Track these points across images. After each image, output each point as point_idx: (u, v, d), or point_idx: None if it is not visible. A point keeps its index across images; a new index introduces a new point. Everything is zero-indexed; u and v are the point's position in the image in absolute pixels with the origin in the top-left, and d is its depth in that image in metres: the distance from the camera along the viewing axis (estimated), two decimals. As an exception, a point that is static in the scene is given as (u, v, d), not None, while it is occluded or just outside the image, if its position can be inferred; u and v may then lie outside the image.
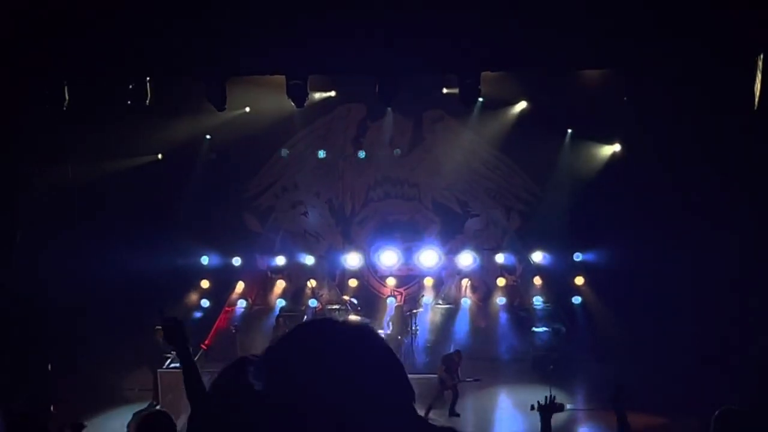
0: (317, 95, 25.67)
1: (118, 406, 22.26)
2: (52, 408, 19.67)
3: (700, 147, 23.26)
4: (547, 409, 8.65)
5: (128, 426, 18.59)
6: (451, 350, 23.29)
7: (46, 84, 19.36)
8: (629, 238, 25.14)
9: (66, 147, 23.68)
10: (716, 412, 6.56)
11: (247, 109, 26.75)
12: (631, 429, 7.90)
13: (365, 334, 2.38)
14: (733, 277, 22.88)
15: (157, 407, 22.30)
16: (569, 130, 26.59)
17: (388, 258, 28.28)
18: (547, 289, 27.63)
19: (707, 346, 22.38)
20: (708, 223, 23.54)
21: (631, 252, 25.11)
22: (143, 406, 22.85)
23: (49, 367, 20.84)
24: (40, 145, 22.35)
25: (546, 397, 8.90)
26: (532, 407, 21.50)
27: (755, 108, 18.63)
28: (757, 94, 18.50)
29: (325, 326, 2.41)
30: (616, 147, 26.48)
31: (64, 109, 19.58)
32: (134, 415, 20.44)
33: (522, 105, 26.55)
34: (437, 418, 21.22)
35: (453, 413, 21.81)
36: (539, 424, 17.18)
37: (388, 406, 2.25)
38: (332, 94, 26.99)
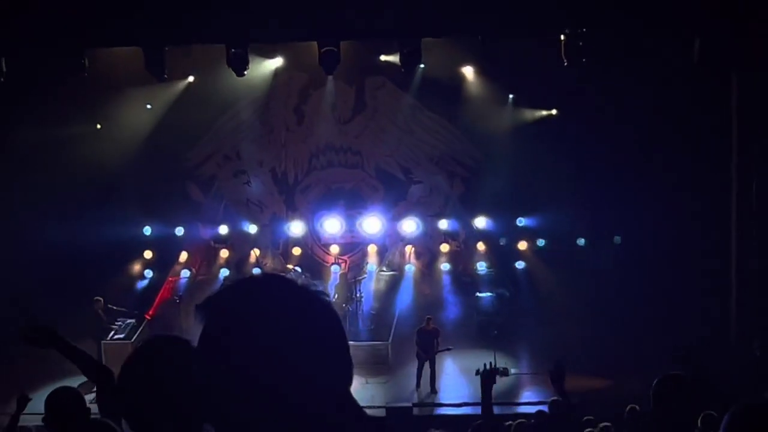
0: (260, 64, 25.46)
1: (61, 379, 22.02)
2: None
3: (637, 109, 23.51)
4: (486, 376, 8.63)
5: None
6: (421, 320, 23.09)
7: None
8: (570, 202, 25.35)
9: (4, 117, 23.39)
10: (655, 380, 6.62)
11: (191, 79, 26.55)
12: (569, 399, 7.97)
13: (318, 302, 2.33)
14: (671, 236, 23.20)
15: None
16: (510, 96, 26.64)
17: (332, 226, 28.26)
18: (490, 255, 27.75)
19: (650, 308, 22.66)
20: (645, 184, 23.84)
21: (572, 216, 25.34)
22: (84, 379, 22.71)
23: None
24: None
25: (485, 364, 8.87)
26: (477, 372, 21.72)
27: (695, 61, 18.89)
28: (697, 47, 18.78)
29: (275, 286, 2.34)
30: (554, 112, 26.57)
31: (1, 80, 19.36)
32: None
33: (463, 71, 26.53)
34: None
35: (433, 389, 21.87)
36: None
37: (324, 387, 2.22)
38: (276, 62, 26.80)
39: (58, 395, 6.30)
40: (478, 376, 8.99)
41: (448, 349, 22.43)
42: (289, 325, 2.20)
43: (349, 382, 2.31)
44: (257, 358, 2.15)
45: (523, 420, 12.41)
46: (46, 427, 6.06)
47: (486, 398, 8.43)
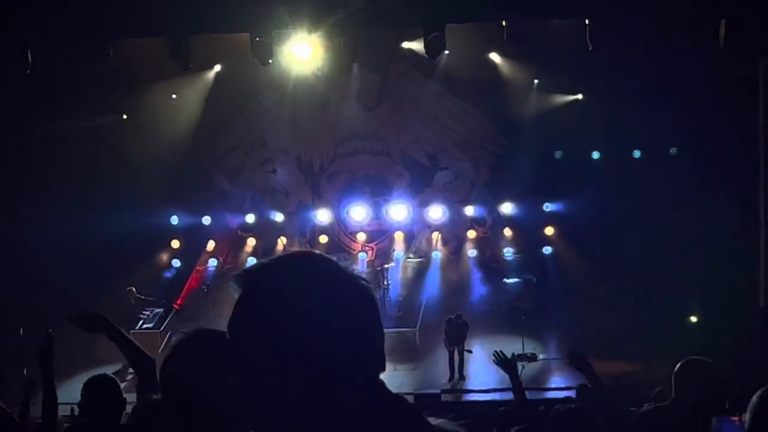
0: (285, 52, 25.44)
1: (91, 369, 22.19)
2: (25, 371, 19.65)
3: (664, 93, 23.36)
4: (508, 363, 8.57)
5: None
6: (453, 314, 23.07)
7: (9, 49, 19.21)
8: (597, 187, 25.26)
9: (31, 109, 23.50)
10: (678, 364, 6.60)
11: (216, 69, 26.61)
12: (600, 381, 7.91)
13: (357, 285, 2.32)
14: (702, 223, 23.06)
15: (130, 369, 22.31)
16: (535, 81, 26.53)
17: (358, 213, 28.28)
18: (517, 240, 27.70)
19: (678, 294, 22.57)
20: (672, 168, 23.72)
21: (599, 201, 25.23)
22: (117, 368, 22.81)
23: (21, 331, 20.75)
24: (4, 107, 22.20)
25: (496, 352, 8.80)
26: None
27: (721, 45, 18.74)
28: (722, 32, 18.60)
29: (315, 264, 2.32)
30: (579, 96, 26.46)
31: (28, 72, 19.43)
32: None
33: (488, 57, 26.41)
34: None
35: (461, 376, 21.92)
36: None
37: (357, 369, 2.21)
38: (300, 50, 26.73)
39: (95, 382, 6.35)
40: (496, 365, 8.94)
41: (470, 351, 22.44)
42: (326, 303, 2.18)
43: (382, 368, 2.30)
44: (290, 334, 2.14)
45: (558, 406, 12.36)
46: (81, 412, 6.10)
47: (515, 384, 8.39)
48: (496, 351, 8.38)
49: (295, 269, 2.25)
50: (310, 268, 2.26)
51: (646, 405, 7.00)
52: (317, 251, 2.39)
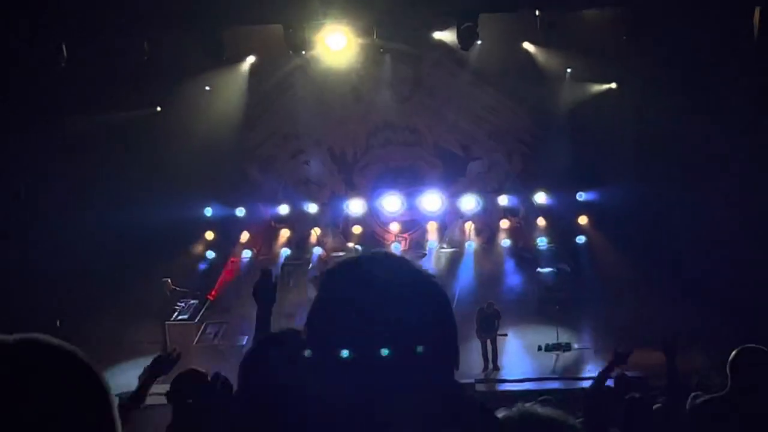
0: (318, 43, 25.42)
1: (127, 360, 22.36)
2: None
3: (697, 84, 23.21)
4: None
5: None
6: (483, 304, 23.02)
7: (44, 43, 19.37)
8: (631, 176, 25.16)
9: (65, 103, 23.65)
10: (734, 352, 6.56)
11: (249, 60, 26.67)
12: (678, 372, 7.86)
13: (432, 285, 2.34)
14: (735, 212, 22.91)
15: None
16: (568, 70, 26.43)
17: (391, 204, 28.26)
18: (550, 230, 27.64)
19: (713, 282, 22.42)
20: (708, 158, 23.55)
21: (633, 190, 25.13)
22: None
23: (58, 323, 20.92)
24: (40, 101, 22.36)
25: (546, 344, 8.80)
26: (540, 348, 21.71)
27: (755, 38, 18.59)
28: (757, 24, 18.46)
29: (394, 264, 2.34)
30: (613, 85, 26.35)
31: (63, 65, 19.58)
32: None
33: (520, 46, 26.30)
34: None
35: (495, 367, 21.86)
36: (546, 364, 17.34)
37: (438, 371, 2.23)
38: (333, 40, 26.73)
39: (186, 376, 6.44)
40: (542, 352, 8.94)
41: (504, 335, 22.37)
42: (401, 302, 2.20)
43: (456, 363, 2.31)
44: (367, 334, 2.15)
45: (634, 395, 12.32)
46: (169, 402, 6.18)
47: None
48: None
49: (370, 270, 2.28)
50: (384, 268, 2.29)
51: (692, 395, 6.92)
52: (385, 251, 2.42)
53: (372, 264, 2.31)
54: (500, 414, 3.07)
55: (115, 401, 1.97)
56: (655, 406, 8.55)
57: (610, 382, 15.45)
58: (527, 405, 3.17)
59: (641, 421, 7.93)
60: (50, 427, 1.78)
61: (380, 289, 2.22)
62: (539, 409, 3.10)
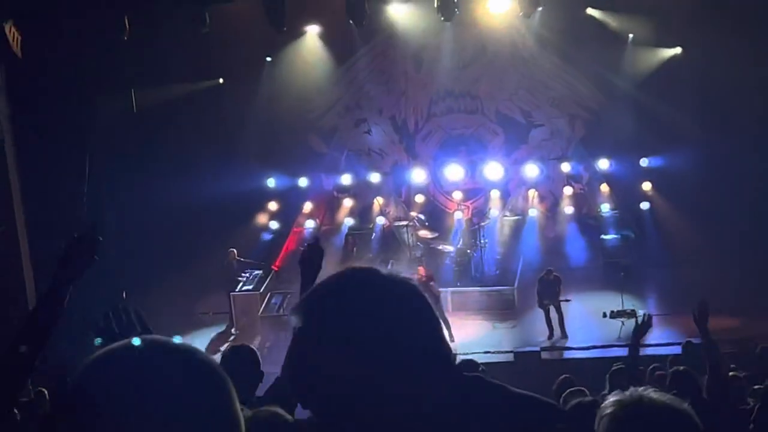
0: (380, 12, 25.34)
1: (194, 330, 22.66)
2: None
3: (764, 50, 22.84)
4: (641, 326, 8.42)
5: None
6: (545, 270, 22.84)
7: (106, 15, 19.54)
8: (695, 142, 24.90)
9: (129, 76, 23.87)
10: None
11: (310, 30, 26.73)
12: (713, 341, 7.78)
13: (404, 288, 2.36)
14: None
15: (233, 330, 22.72)
16: (630, 36, 26.15)
17: (454, 172, 28.19)
18: (614, 196, 27.44)
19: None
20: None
21: (697, 156, 24.87)
22: (220, 329, 23.23)
23: (124, 294, 21.19)
24: (104, 74, 22.57)
25: (612, 311, 8.75)
26: (605, 315, 21.60)
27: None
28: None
29: (359, 281, 2.38)
30: (678, 50, 26.02)
31: (125, 38, 19.74)
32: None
33: (582, 11, 26.05)
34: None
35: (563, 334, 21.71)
36: (611, 331, 17.25)
37: (422, 367, 2.25)
38: (395, 9, 26.59)
39: (236, 351, 6.50)
40: (607, 318, 8.89)
41: (567, 300, 22.23)
42: (379, 315, 2.26)
43: (447, 356, 2.34)
44: (353, 352, 2.20)
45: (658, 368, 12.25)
46: None
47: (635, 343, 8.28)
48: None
49: (344, 292, 2.34)
50: (356, 287, 2.34)
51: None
52: (356, 266, 2.45)
53: (342, 287, 2.37)
54: (613, 398, 3.07)
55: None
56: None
57: (672, 350, 15.38)
58: (641, 390, 3.15)
59: (687, 394, 7.87)
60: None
61: (356, 311, 2.26)
62: (653, 395, 3.09)
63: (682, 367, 8.43)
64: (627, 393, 3.10)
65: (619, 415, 2.99)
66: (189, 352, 1.97)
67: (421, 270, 22.08)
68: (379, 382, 2.18)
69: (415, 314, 2.30)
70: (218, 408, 1.91)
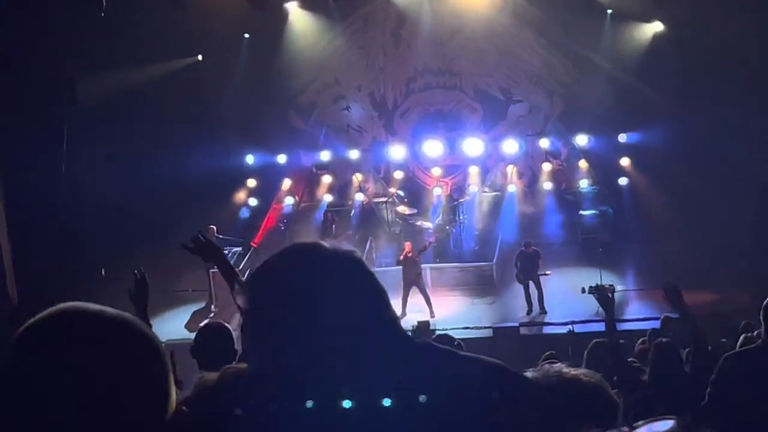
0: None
1: (174, 307, 22.62)
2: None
3: (743, 22, 22.85)
4: (601, 294, 8.40)
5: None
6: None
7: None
8: (673, 117, 24.93)
9: (106, 53, 23.72)
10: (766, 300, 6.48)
11: (288, 7, 26.65)
12: (691, 317, 7.76)
13: (350, 264, 2.40)
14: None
15: (213, 307, 22.69)
16: (609, 11, 26.15)
17: (433, 148, 28.18)
18: (593, 172, 27.51)
19: (758, 222, 22.25)
20: (752, 99, 23.23)
21: (675, 131, 24.91)
22: (200, 306, 23.19)
23: (102, 272, 21.11)
24: (81, 52, 22.42)
25: (590, 286, 8.74)
26: (584, 290, 21.67)
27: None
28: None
29: (302, 256, 2.43)
30: (658, 26, 26.03)
31: (102, 14, 19.61)
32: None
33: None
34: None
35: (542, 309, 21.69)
36: (590, 306, 17.29)
37: (363, 324, 2.30)
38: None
39: (209, 329, 6.47)
40: (586, 294, 8.89)
41: (546, 274, 22.24)
42: (321, 287, 2.32)
43: (392, 323, 2.38)
44: (299, 318, 2.28)
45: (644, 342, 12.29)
46: (192, 356, 6.19)
47: (608, 316, 8.27)
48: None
49: (287, 267, 2.41)
50: (298, 262, 2.40)
51: (724, 356, 6.80)
52: (299, 241, 2.51)
53: (285, 261, 2.43)
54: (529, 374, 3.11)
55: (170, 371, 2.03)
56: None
57: (650, 324, 15.44)
58: (560, 366, 3.20)
59: (669, 366, 7.89)
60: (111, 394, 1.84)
61: (300, 278, 2.34)
62: (565, 370, 3.13)
63: (664, 339, 8.45)
64: (542, 369, 3.15)
65: None
66: (119, 320, 1.98)
67: (408, 246, 22.10)
68: (327, 352, 2.23)
69: (358, 285, 2.35)
70: (148, 377, 1.93)
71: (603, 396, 3.15)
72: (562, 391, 2.98)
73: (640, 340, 12.77)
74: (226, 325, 6.57)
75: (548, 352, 10.87)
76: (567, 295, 21.83)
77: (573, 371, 3.17)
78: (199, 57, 26.98)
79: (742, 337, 10.73)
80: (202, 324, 6.82)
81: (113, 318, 1.98)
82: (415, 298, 21.10)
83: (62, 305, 1.97)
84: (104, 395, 1.84)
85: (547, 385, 2.99)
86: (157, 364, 1.99)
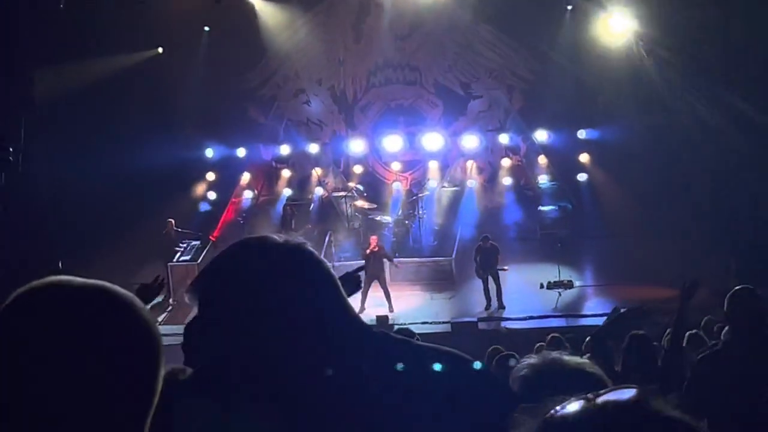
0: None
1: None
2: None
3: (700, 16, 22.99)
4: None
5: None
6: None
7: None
8: (631, 113, 25.05)
9: (66, 47, 23.53)
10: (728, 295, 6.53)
11: (249, 0, 26.56)
12: (686, 318, 7.67)
13: (302, 255, 2.39)
14: (739, 148, 22.77)
15: (170, 301, 22.55)
16: (569, 7, 26.20)
17: (392, 143, 28.21)
18: (552, 168, 27.62)
19: (714, 218, 22.41)
20: (710, 94, 23.37)
21: (633, 127, 25.04)
22: (157, 300, 23.02)
23: (60, 264, 20.96)
24: (39, 44, 22.24)
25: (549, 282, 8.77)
26: (542, 285, 21.76)
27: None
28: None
29: (254, 250, 2.42)
30: (617, 22, 26.09)
31: (61, 6, 19.46)
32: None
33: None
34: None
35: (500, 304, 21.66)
36: (548, 302, 17.35)
37: (319, 315, 2.28)
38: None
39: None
40: (544, 289, 8.90)
41: (504, 269, 22.25)
42: (272, 281, 2.30)
43: (346, 313, 2.37)
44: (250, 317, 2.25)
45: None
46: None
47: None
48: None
49: (237, 263, 2.40)
50: (249, 256, 2.41)
51: (699, 357, 6.81)
52: (250, 236, 2.51)
53: (235, 255, 2.43)
54: (528, 361, 3.12)
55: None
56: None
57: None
58: (553, 354, 3.20)
59: (643, 358, 7.92)
60: (100, 371, 1.80)
61: (250, 271, 2.33)
62: (566, 358, 3.14)
63: (640, 332, 8.46)
64: (541, 356, 3.16)
65: (531, 377, 3.04)
66: (102, 291, 1.95)
67: (374, 240, 22.08)
68: (282, 344, 2.21)
69: (309, 275, 2.33)
70: (138, 352, 1.90)
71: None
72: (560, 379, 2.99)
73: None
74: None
75: (493, 347, 10.90)
76: (525, 290, 21.91)
77: (576, 360, 3.18)
78: (160, 50, 26.84)
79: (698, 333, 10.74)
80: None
81: (98, 290, 1.94)
82: (375, 293, 21.08)
83: (45, 279, 1.94)
84: (91, 372, 1.81)
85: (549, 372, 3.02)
86: (146, 339, 1.95)
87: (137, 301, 1.96)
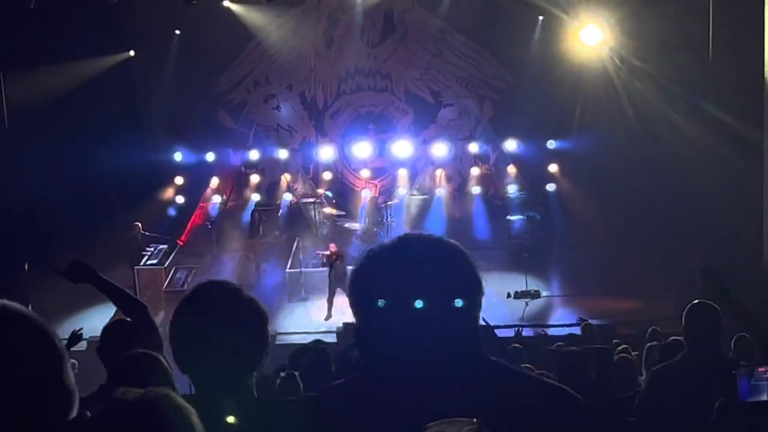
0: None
1: (96, 305, 22.28)
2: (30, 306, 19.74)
3: (673, 29, 23.06)
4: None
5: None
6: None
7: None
8: (601, 124, 25.15)
9: (36, 49, 23.39)
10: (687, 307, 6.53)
11: (222, 4, 26.46)
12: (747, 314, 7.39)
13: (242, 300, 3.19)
14: (707, 160, 22.85)
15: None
16: (540, 18, 26.29)
17: (362, 150, 28.22)
18: (521, 178, 27.71)
19: (681, 231, 22.48)
20: (681, 106, 23.45)
21: (603, 139, 25.15)
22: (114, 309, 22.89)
23: (26, 266, 20.84)
24: (7, 47, 22.10)
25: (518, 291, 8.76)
26: (509, 295, 21.78)
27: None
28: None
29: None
30: (589, 33, 26.16)
31: (32, 8, 19.34)
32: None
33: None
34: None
35: None
36: (515, 311, 17.36)
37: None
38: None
39: (113, 327, 6.25)
40: (511, 299, 8.91)
41: None
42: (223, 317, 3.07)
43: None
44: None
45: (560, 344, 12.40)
46: (99, 356, 6.01)
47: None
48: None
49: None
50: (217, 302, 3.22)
51: (653, 370, 6.81)
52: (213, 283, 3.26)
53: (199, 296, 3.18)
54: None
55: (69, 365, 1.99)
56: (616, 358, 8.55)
57: (576, 330, 15.59)
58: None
59: (604, 371, 7.94)
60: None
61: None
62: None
63: (574, 348, 8.47)
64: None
65: None
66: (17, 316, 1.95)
67: (332, 247, 22.08)
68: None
69: (245, 315, 3.32)
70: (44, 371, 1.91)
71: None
72: None
73: (555, 344, 12.90)
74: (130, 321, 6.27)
75: None
76: (492, 300, 21.87)
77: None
78: (131, 53, 26.75)
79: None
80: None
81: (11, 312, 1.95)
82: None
83: None
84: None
85: None
86: (51, 357, 1.95)
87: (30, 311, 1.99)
